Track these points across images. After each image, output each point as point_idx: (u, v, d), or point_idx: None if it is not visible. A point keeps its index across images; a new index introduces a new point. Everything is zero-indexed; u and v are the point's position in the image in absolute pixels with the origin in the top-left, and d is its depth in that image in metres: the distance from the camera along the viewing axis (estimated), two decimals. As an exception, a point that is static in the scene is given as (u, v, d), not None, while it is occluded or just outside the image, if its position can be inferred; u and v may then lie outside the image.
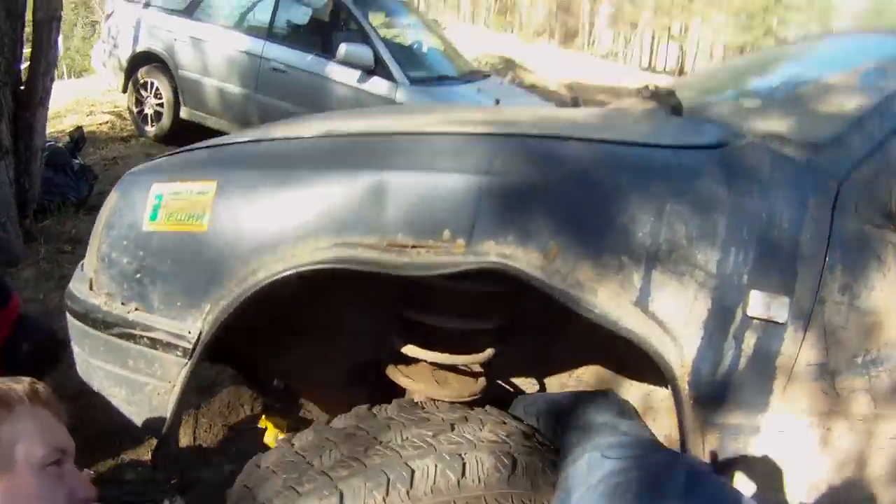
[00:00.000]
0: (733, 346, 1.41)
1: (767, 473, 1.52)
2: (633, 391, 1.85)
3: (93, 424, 2.83)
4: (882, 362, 1.60)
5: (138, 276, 1.49)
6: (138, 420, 1.59)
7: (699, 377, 1.40)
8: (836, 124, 1.70)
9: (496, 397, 1.84)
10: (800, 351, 1.44)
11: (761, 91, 2.29)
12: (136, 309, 1.50)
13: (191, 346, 1.44)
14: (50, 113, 5.01)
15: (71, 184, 5.35)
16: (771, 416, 1.46)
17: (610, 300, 1.36)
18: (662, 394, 1.74)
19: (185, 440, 3.03)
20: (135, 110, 7.62)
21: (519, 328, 1.86)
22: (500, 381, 2.10)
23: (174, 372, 1.48)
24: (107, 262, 1.53)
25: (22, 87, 4.52)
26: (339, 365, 2.06)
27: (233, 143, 1.68)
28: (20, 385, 1.28)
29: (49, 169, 5.09)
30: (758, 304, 1.40)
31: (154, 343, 1.48)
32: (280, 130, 1.71)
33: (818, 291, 1.44)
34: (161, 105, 7.37)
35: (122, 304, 1.51)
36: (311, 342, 1.96)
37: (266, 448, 2.52)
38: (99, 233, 1.56)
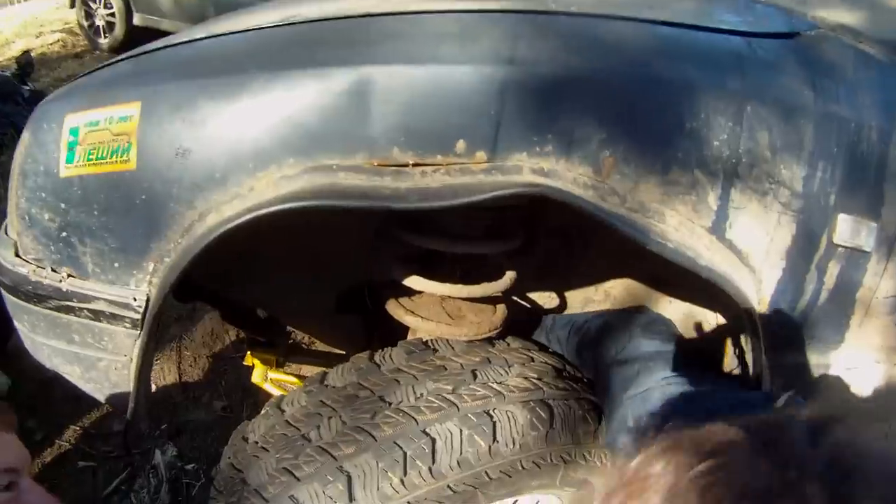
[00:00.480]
0: (815, 277, 1.22)
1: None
2: (671, 311, 1.61)
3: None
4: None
5: (64, 234, 1.20)
6: (101, 396, 1.39)
7: (777, 313, 1.21)
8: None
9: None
10: (881, 282, 1.26)
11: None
12: (69, 276, 1.22)
13: (139, 316, 1.17)
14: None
15: (23, 112, 5.06)
16: (843, 352, 1.30)
17: (681, 227, 1.09)
18: (708, 316, 1.55)
19: (169, 378, 2.90)
20: (85, 24, 7.33)
21: (535, 235, 1.58)
22: (516, 299, 1.84)
23: (127, 345, 1.23)
24: (28, 221, 1.23)
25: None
26: (325, 292, 1.80)
27: (163, 48, 1.32)
28: None
29: (-3, 101, 4.92)
30: (845, 229, 1.21)
31: (96, 315, 1.21)
32: (224, 25, 1.34)
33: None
34: (112, 15, 7.02)
35: (53, 270, 1.24)
36: (291, 271, 1.69)
37: (255, 389, 2.31)
38: (14, 185, 1.26)
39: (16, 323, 1.43)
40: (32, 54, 6.00)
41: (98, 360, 1.29)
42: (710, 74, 1.12)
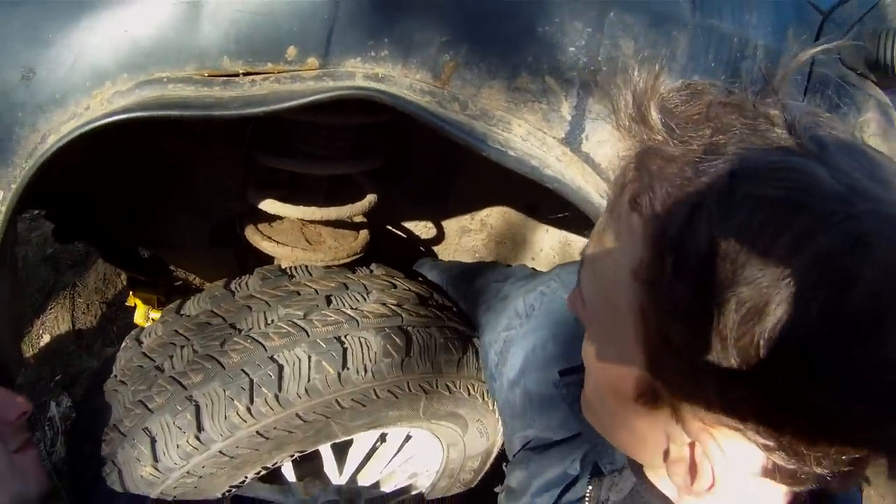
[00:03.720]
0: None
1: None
2: (548, 240, 1.60)
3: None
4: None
5: None
6: None
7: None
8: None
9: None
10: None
11: None
12: None
13: None
14: None
15: None
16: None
17: (529, 136, 1.03)
18: (583, 244, 1.49)
19: (63, 326, 2.83)
20: None
21: (407, 160, 1.55)
22: (390, 227, 1.83)
23: None
24: None
25: None
26: (199, 226, 1.76)
27: None
28: None
29: None
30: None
31: None
32: None
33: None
34: None
35: None
36: (168, 201, 1.66)
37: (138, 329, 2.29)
38: None
39: None
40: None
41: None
42: None
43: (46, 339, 2.78)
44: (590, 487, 0.84)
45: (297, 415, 1.20)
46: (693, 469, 0.54)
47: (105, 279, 3.02)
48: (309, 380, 1.18)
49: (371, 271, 1.43)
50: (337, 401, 1.22)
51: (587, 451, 0.89)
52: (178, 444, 1.18)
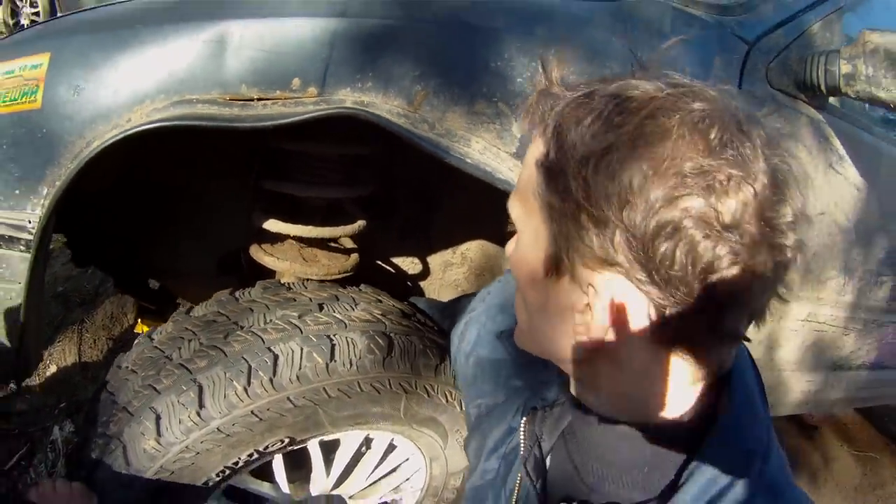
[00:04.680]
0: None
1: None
2: None
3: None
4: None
5: None
6: None
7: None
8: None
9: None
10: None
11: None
12: None
13: (32, 237, 1.30)
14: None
15: None
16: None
17: (486, 151, 1.24)
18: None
19: (70, 358, 2.91)
20: (10, 22, 7.18)
21: (393, 198, 1.73)
22: (380, 262, 2.00)
23: (21, 270, 1.35)
24: None
25: None
26: (208, 254, 1.94)
27: (71, 14, 1.48)
28: None
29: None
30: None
31: None
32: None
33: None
34: (37, 14, 6.95)
35: None
36: (180, 232, 1.84)
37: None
38: None
39: None
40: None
41: (-8, 291, 1.40)
42: (515, 24, 1.26)
43: (53, 369, 2.84)
44: (524, 424, 0.91)
45: (288, 398, 1.35)
46: (590, 320, 0.66)
47: (112, 317, 3.13)
48: (300, 368, 1.33)
49: (360, 288, 1.59)
50: (325, 388, 1.36)
51: (525, 400, 0.97)
52: (180, 420, 1.32)
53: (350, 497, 1.85)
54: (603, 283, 0.64)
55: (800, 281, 1.65)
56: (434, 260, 1.97)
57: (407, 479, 1.85)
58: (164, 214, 1.83)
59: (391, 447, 1.73)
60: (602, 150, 0.60)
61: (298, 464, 1.63)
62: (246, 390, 1.31)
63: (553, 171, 0.65)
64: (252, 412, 1.34)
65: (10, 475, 2.34)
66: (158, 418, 1.33)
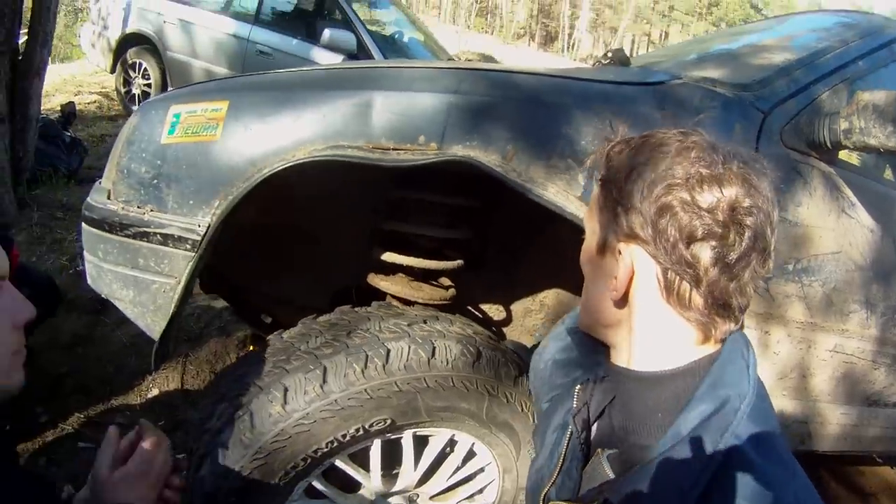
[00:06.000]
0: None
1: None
2: None
3: (85, 372, 3.10)
4: (813, 273, 1.83)
5: (155, 182, 1.65)
6: (142, 322, 1.72)
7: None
8: (764, 70, 1.98)
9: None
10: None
11: (705, 53, 2.56)
12: (152, 210, 1.65)
13: (199, 238, 1.61)
14: (39, 89, 5.05)
15: (62, 156, 5.45)
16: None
17: (558, 194, 1.60)
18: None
19: (172, 385, 3.16)
20: (122, 90, 7.76)
21: (485, 247, 2.07)
22: (469, 307, 2.32)
23: (181, 266, 1.64)
24: (125, 174, 1.68)
25: (20, 58, 4.66)
26: (322, 290, 2.26)
27: (240, 76, 1.88)
28: None
29: (41, 140, 5.20)
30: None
31: (165, 239, 1.63)
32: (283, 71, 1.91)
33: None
34: (149, 86, 7.51)
35: (139, 207, 1.66)
36: (298, 268, 2.16)
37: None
38: (119, 149, 1.72)
39: (87, 256, 1.77)
40: (71, 109, 6.28)
41: (151, 283, 1.67)
42: (580, 101, 1.66)
43: (155, 392, 3.09)
44: (577, 391, 1.10)
45: (395, 383, 1.62)
46: (616, 282, 0.94)
47: (216, 354, 3.38)
48: (407, 360, 1.63)
49: (456, 315, 1.90)
50: (425, 378, 1.65)
51: (580, 376, 1.15)
52: (305, 391, 1.56)
53: (430, 498, 2.00)
54: (627, 251, 0.94)
55: (823, 312, 1.86)
56: (516, 307, 2.30)
57: (480, 491, 2.04)
58: (287, 251, 2.18)
59: (471, 453, 1.93)
60: (630, 166, 0.96)
61: (390, 461, 1.85)
62: (363, 372, 1.60)
63: (603, 183, 1.01)
64: (365, 390, 1.60)
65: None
66: (286, 390, 1.58)
